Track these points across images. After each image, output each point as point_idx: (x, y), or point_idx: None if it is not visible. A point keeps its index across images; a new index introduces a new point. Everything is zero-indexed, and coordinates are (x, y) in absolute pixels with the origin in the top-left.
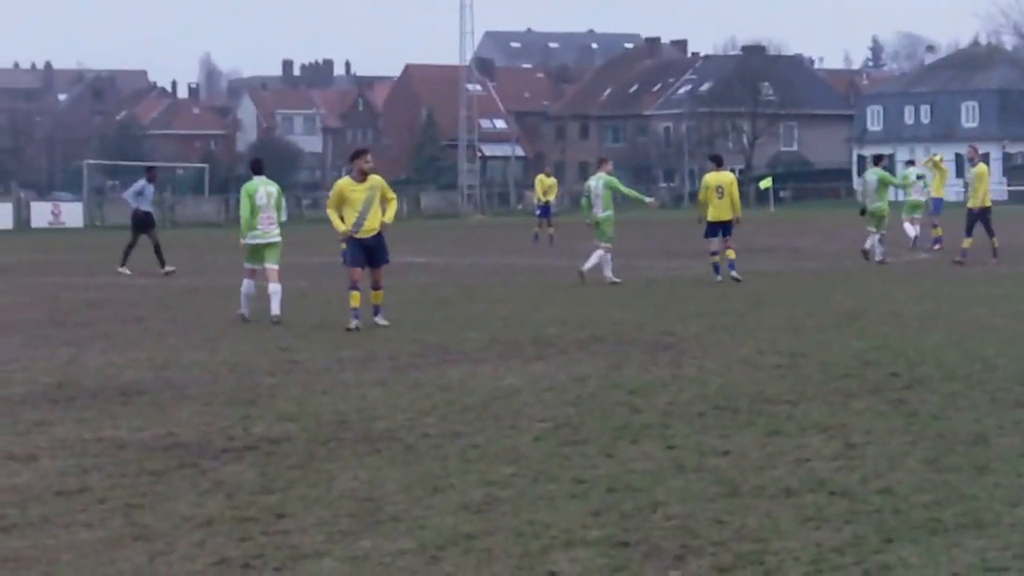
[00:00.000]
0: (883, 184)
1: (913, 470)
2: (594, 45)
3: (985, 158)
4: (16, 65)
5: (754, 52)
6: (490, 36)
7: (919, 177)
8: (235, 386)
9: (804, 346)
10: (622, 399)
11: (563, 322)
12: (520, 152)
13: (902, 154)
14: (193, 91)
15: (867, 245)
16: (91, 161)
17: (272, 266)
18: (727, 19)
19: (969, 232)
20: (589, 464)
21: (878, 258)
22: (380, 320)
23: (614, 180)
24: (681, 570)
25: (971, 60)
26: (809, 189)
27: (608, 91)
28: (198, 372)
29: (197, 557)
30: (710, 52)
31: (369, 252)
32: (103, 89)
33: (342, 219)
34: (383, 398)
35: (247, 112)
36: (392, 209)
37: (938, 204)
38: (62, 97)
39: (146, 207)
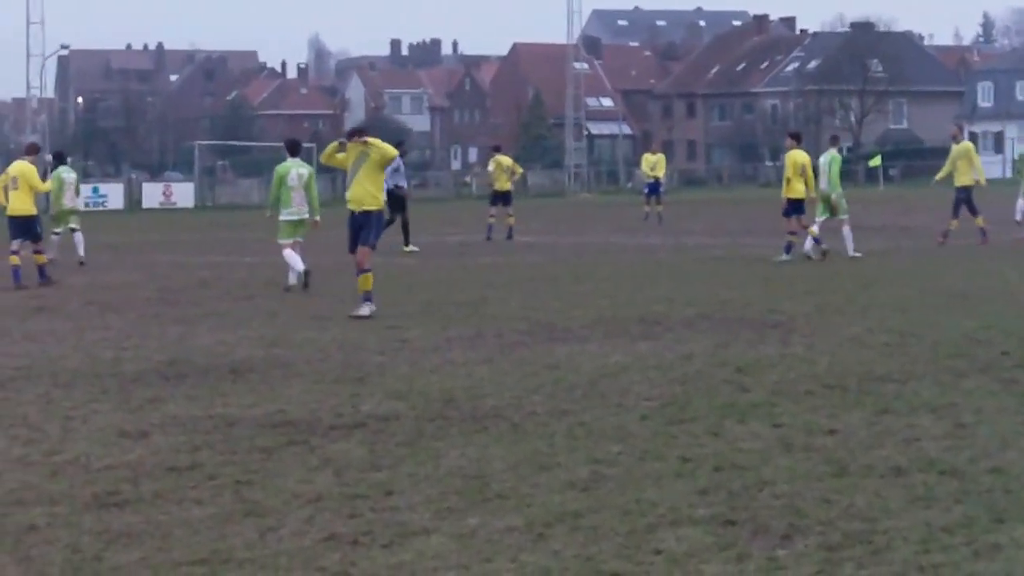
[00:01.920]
0: None
1: None
2: (701, 23)
3: None
4: (129, 46)
5: (863, 29)
6: (597, 14)
7: None
8: (344, 364)
9: (913, 325)
10: (729, 377)
11: (670, 300)
12: (627, 130)
13: (1010, 131)
14: (302, 71)
15: None
16: (202, 142)
17: (298, 240)
18: None
19: (974, 212)
20: (696, 442)
21: None
22: (356, 311)
23: (829, 161)
24: (788, 549)
25: None
26: (918, 167)
27: (715, 69)
28: (307, 350)
29: (306, 533)
30: (818, 29)
31: (356, 233)
32: (214, 70)
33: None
34: (490, 376)
35: (355, 92)
36: (372, 174)
37: None
38: (174, 78)
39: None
